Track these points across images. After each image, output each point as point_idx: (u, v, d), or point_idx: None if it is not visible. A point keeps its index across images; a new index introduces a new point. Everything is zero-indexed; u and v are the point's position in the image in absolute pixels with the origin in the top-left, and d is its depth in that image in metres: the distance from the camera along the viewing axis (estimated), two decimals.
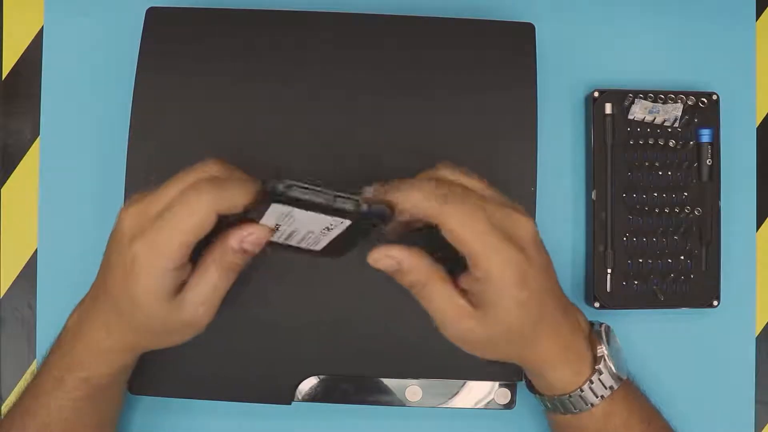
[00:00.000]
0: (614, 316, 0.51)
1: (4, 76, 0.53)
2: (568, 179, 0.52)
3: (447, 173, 0.41)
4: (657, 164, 0.50)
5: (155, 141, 0.47)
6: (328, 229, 0.40)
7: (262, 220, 0.38)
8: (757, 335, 0.52)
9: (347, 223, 0.39)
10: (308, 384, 0.48)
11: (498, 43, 0.48)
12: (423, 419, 0.51)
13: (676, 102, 0.50)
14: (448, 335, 0.41)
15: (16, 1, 0.53)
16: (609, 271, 0.50)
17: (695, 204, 0.50)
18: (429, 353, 0.47)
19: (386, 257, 0.40)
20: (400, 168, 0.47)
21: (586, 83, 0.52)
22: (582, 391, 0.42)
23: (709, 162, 0.50)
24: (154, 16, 0.48)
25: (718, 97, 0.50)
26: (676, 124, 0.50)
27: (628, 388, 0.44)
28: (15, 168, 0.52)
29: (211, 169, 0.39)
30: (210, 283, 0.39)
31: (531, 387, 0.46)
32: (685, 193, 0.50)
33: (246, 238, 0.38)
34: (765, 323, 0.52)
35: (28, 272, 0.52)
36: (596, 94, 0.50)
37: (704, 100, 0.50)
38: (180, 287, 0.39)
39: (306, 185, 0.37)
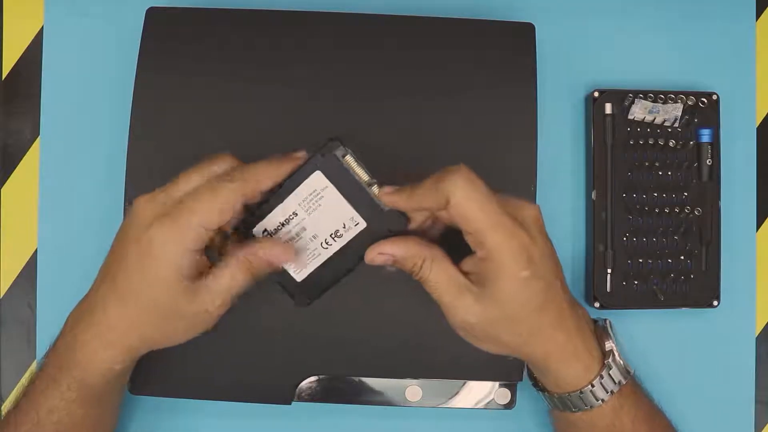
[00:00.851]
0: (614, 316, 0.51)
1: (4, 76, 0.53)
2: (568, 179, 0.52)
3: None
4: (657, 164, 0.50)
5: (155, 141, 0.47)
6: (337, 234, 0.42)
7: (288, 199, 0.41)
8: (757, 335, 0.52)
9: (362, 226, 0.41)
10: (308, 384, 0.48)
11: (498, 43, 0.48)
12: (423, 419, 0.51)
13: (676, 102, 0.50)
14: (450, 321, 0.41)
15: (16, 1, 0.53)
16: (609, 271, 0.50)
17: (695, 204, 0.50)
18: (429, 353, 0.47)
19: (379, 255, 0.41)
20: (400, 168, 0.47)
21: (586, 83, 0.52)
22: (593, 386, 0.42)
23: (709, 162, 0.50)
24: (154, 16, 0.48)
25: (718, 97, 0.50)
26: (676, 124, 0.50)
27: (633, 383, 0.44)
28: (15, 168, 0.52)
29: (229, 161, 0.41)
30: (231, 279, 0.40)
31: (536, 384, 0.46)
32: (685, 193, 0.50)
33: (273, 255, 0.40)
34: (765, 323, 0.52)
35: (28, 272, 0.52)
36: (596, 94, 0.50)
37: (704, 100, 0.50)
38: (196, 275, 0.40)
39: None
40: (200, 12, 0.49)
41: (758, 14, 0.53)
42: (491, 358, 0.47)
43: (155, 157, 0.47)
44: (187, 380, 0.47)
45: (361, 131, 0.47)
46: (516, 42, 0.48)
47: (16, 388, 0.51)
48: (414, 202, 0.40)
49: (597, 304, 0.50)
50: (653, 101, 0.50)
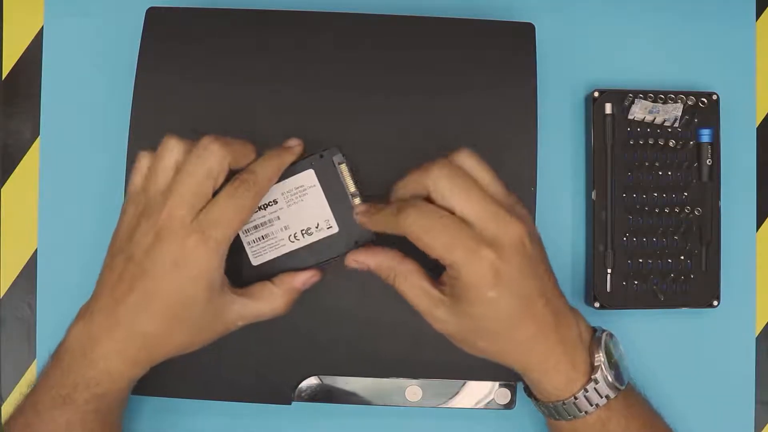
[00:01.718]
0: (614, 316, 0.51)
1: (4, 76, 0.53)
2: (568, 179, 0.52)
3: (461, 159, 0.42)
4: (657, 164, 0.50)
5: (155, 141, 0.47)
6: (308, 231, 0.44)
7: (273, 187, 0.43)
8: (757, 335, 0.52)
9: (334, 230, 0.44)
10: (308, 384, 0.48)
11: (498, 43, 0.48)
12: (423, 419, 0.51)
13: (676, 102, 0.50)
14: (431, 326, 0.43)
15: (16, 1, 0.53)
16: (609, 271, 0.50)
17: (695, 204, 0.50)
18: (429, 353, 0.47)
19: (354, 262, 0.43)
20: (400, 168, 0.47)
21: (586, 83, 0.52)
22: (576, 399, 0.42)
23: (709, 162, 0.50)
24: (154, 16, 0.48)
25: (718, 97, 0.50)
26: (676, 124, 0.50)
27: (628, 395, 0.44)
28: (15, 168, 0.52)
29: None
30: (260, 311, 0.43)
31: (525, 389, 0.46)
32: (685, 193, 0.50)
33: (308, 281, 0.44)
34: (765, 323, 0.52)
35: (28, 272, 0.52)
36: (596, 94, 0.50)
37: (704, 100, 0.50)
38: (224, 286, 0.42)
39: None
40: (200, 12, 0.49)
41: (758, 14, 0.53)
42: None
43: None
44: (187, 380, 0.47)
45: (361, 131, 0.47)
46: (516, 42, 0.48)
47: (11, 402, 0.51)
48: (378, 227, 0.43)
49: (597, 304, 0.50)
50: (653, 101, 0.50)
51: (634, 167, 0.50)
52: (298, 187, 0.44)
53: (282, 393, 0.47)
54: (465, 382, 0.48)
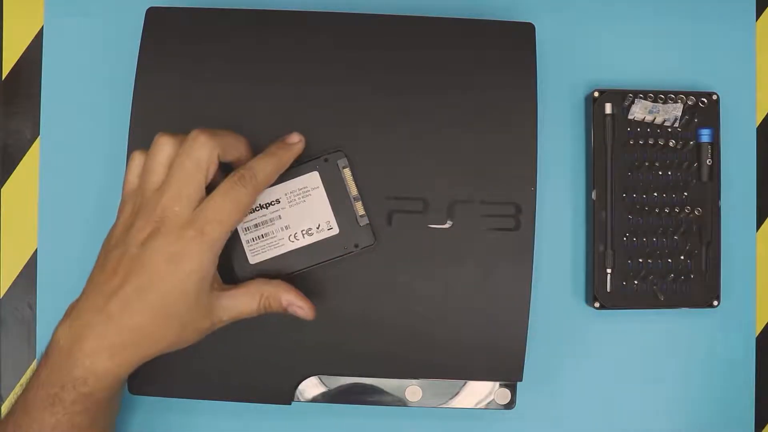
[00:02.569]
0: (614, 316, 0.51)
1: (4, 76, 0.53)
2: (568, 179, 0.52)
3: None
4: (657, 164, 0.50)
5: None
6: (309, 231, 0.45)
7: (277, 186, 0.44)
8: (757, 335, 0.52)
9: (335, 232, 0.45)
10: (308, 384, 0.48)
11: (498, 43, 0.48)
12: (423, 419, 0.51)
13: (676, 102, 0.50)
14: None
15: (16, 1, 0.53)
16: (609, 271, 0.50)
17: (695, 204, 0.50)
18: (429, 353, 0.47)
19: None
20: (399, 168, 0.47)
21: (586, 83, 0.52)
22: None
23: (709, 162, 0.50)
24: (154, 16, 0.48)
25: (718, 97, 0.50)
26: (676, 124, 0.50)
27: None
28: (15, 168, 0.52)
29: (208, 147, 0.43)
30: (247, 306, 0.43)
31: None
32: (685, 193, 0.50)
33: (295, 308, 0.44)
34: (765, 323, 0.52)
35: (28, 272, 0.52)
36: (596, 94, 0.50)
37: (704, 100, 0.50)
38: (214, 284, 0.42)
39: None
40: (200, 12, 0.49)
41: (758, 14, 0.53)
42: (491, 358, 0.47)
43: None
44: (187, 380, 0.47)
45: (361, 131, 0.47)
46: (516, 42, 0.48)
47: (8, 399, 0.51)
48: None
49: (597, 304, 0.50)
50: (653, 101, 0.50)
51: (634, 167, 0.50)
52: (301, 188, 0.45)
53: (282, 393, 0.47)
54: (465, 382, 0.48)
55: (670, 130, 0.50)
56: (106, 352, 0.40)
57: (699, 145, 0.50)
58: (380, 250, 0.46)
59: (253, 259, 0.45)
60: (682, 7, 0.53)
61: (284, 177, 0.45)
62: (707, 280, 0.50)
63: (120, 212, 0.43)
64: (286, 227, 0.45)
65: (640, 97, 0.50)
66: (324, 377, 0.48)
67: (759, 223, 0.53)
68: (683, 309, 0.50)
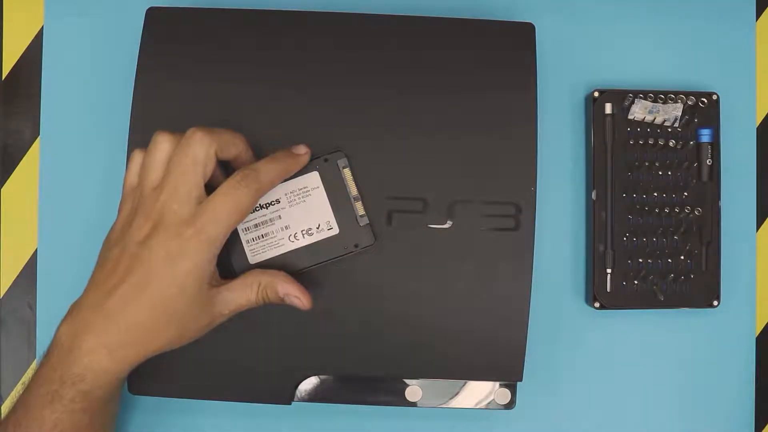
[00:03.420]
0: (614, 316, 0.51)
1: (4, 76, 0.53)
2: (568, 179, 0.52)
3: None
4: (657, 164, 0.50)
5: None
6: (309, 231, 0.45)
7: (277, 186, 0.44)
8: (757, 335, 0.52)
9: (335, 232, 0.45)
10: (308, 384, 0.48)
11: (498, 43, 0.48)
12: (423, 419, 0.51)
13: (676, 102, 0.50)
14: None
15: (16, 1, 0.53)
16: (609, 271, 0.50)
17: (695, 204, 0.50)
18: (429, 353, 0.47)
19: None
20: (399, 167, 0.47)
21: (586, 83, 0.52)
22: None
23: (709, 162, 0.50)
24: (154, 16, 0.48)
25: (718, 97, 0.50)
26: (676, 124, 0.50)
27: None
28: (15, 168, 0.52)
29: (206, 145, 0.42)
30: (245, 298, 0.43)
31: None
32: (685, 193, 0.50)
33: (292, 297, 0.44)
34: (765, 323, 0.52)
35: (28, 272, 0.52)
36: (596, 94, 0.50)
37: (704, 100, 0.50)
38: (213, 281, 0.42)
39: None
40: (200, 12, 0.49)
41: (758, 14, 0.53)
42: (491, 358, 0.47)
43: None
44: (187, 380, 0.47)
45: (361, 131, 0.47)
46: (516, 42, 0.48)
47: (9, 398, 0.51)
48: None
49: (597, 304, 0.50)
50: (653, 101, 0.50)
51: (634, 167, 0.50)
52: (301, 188, 0.45)
53: (282, 393, 0.47)
54: (465, 382, 0.48)
55: (670, 130, 0.50)
56: (104, 349, 0.41)
57: (699, 145, 0.50)
58: (380, 250, 0.46)
59: (253, 259, 0.45)
60: (682, 7, 0.53)
61: None
62: (707, 280, 0.50)
63: (120, 210, 0.44)
64: (286, 227, 0.45)
65: (640, 97, 0.50)
66: (324, 377, 0.48)
67: (759, 223, 0.53)
68: (683, 309, 0.50)
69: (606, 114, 0.50)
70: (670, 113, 0.50)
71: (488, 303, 0.47)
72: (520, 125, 0.47)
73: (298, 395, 0.48)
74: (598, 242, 0.50)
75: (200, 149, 0.41)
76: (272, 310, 0.47)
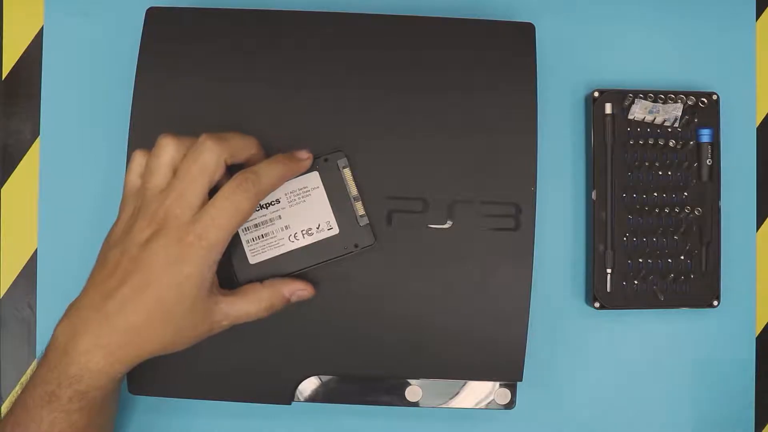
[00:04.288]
0: (614, 316, 0.51)
1: (4, 76, 0.53)
2: (568, 179, 0.52)
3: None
4: (657, 164, 0.50)
5: (155, 141, 0.47)
6: (309, 231, 0.45)
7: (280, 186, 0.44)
8: (757, 335, 0.52)
9: (335, 232, 0.45)
10: (308, 384, 0.48)
11: (498, 43, 0.48)
12: (423, 419, 0.51)
13: (676, 102, 0.50)
14: None
15: (16, 1, 0.53)
16: (609, 271, 0.50)
17: (695, 204, 0.50)
18: (429, 353, 0.47)
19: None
20: (399, 167, 0.47)
21: (586, 83, 0.52)
22: None
23: (709, 162, 0.50)
24: (154, 16, 0.48)
25: (718, 97, 0.50)
26: (676, 124, 0.50)
27: None
28: (15, 168, 0.52)
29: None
30: (248, 311, 0.43)
31: None
32: (685, 193, 0.50)
33: (297, 292, 0.44)
34: (765, 323, 0.52)
35: (28, 272, 0.52)
36: (596, 94, 0.50)
37: (704, 100, 0.50)
38: (212, 289, 0.42)
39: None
40: (200, 12, 0.49)
41: (758, 14, 0.53)
42: (491, 358, 0.47)
43: None
44: (187, 380, 0.47)
45: (360, 131, 0.47)
46: (516, 42, 0.48)
47: (9, 398, 0.51)
48: None
49: (597, 304, 0.50)
50: (653, 101, 0.50)
51: (634, 167, 0.50)
52: (301, 188, 0.45)
53: (282, 393, 0.47)
54: (465, 382, 0.48)
55: (670, 130, 0.50)
56: (101, 350, 0.41)
57: (699, 145, 0.50)
58: (380, 250, 0.46)
59: (253, 259, 0.45)
60: (682, 7, 0.53)
61: None
62: (707, 280, 0.50)
63: (121, 212, 0.43)
64: (286, 227, 0.45)
65: (640, 97, 0.50)
66: (324, 377, 0.48)
67: (759, 223, 0.53)
68: (683, 309, 0.50)
69: (606, 114, 0.50)
70: (670, 113, 0.50)
71: (488, 303, 0.47)
72: (520, 125, 0.47)
73: (298, 395, 0.48)
74: (598, 242, 0.50)
75: (210, 157, 0.41)
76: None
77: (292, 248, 0.45)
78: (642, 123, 0.50)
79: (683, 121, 0.50)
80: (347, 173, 0.46)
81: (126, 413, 0.50)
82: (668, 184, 0.50)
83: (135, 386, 0.47)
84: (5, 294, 0.52)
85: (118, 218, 0.43)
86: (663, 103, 0.50)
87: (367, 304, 0.47)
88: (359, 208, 0.46)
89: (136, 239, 0.41)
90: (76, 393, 0.41)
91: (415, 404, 0.48)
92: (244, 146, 0.43)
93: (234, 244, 0.45)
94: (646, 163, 0.50)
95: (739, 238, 0.52)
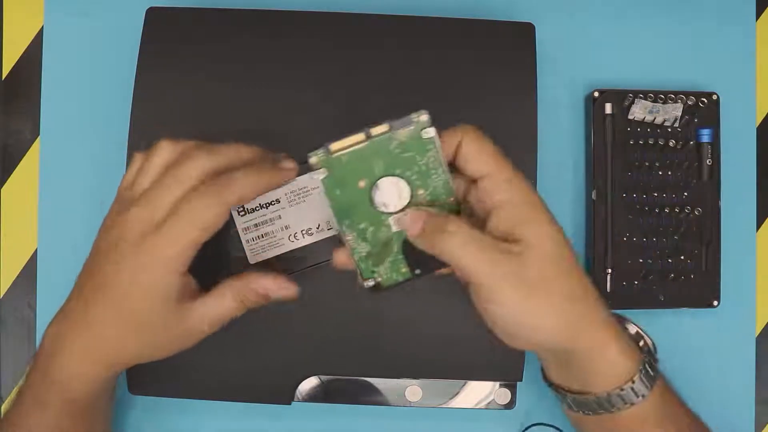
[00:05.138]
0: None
1: (4, 76, 0.53)
2: (568, 179, 0.52)
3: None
4: (657, 164, 0.50)
5: (155, 141, 0.47)
6: (309, 231, 0.45)
7: (281, 186, 0.43)
8: (757, 335, 0.52)
9: (335, 231, 0.44)
10: (308, 384, 0.48)
11: (498, 43, 0.48)
12: (423, 419, 0.51)
13: (676, 102, 0.50)
14: (484, 297, 0.38)
15: (16, 1, 0.53)
16: (609, 271, 0.50)
17: (695, 204, 0.50)
18: (429, 353, 0.47)
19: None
20: None
21: (586, 83, 0.52)
22: (633, 383, 0.40)
23: (709, 162, 0.50)
24: (154, 16, 0.48)
25: (718, 97, 0.50)
26: (676, 124, 0.50)
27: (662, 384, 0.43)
28: (15, 168, 0.52)
29: (203, 159, 0.39)
30: (223, 308, 0.40)
31: (557, 386, 0.43)
32: (685, 193, 0.50)
33: (273, 292, 0.41)
34: (765, 323, 0.52)
35: (28, 272, 0.52)
36: (596, 94, 0.50)
37: (704, 100, 0.50)
38: (184, 297, 0.39)
39: None
40: (200, 12, 0.49)
41: (758, 14, 0.53)
42: (491, 358, 0.47)
43: None
44: (187, 380, 0.47)
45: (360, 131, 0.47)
46: (516, 42, 0.48)
47: (9, 398, 0.51)
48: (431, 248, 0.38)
49: None
50: (653, 101, 0.50)
51: (634, 167, 0.50)
52: (301, 188, 0.45)
53: (282, 393, 0.47)
54: (465, 382, 0.48)
55: (670, 130, 0.50)
56: (86, 357, 0.40)
57: (699, 145, 0.50)
58: None
59: (252, 259, 0.45)
60: (682, 7, 0.53)
61: None
62: (707, 280, 0.50)
63: (109, 210, 0.42)
64: (286, 227, 0.45)
65: (640, 97, 0.50)
66: (324, 377, 0.48)
67: (759, 223, 0.53)
68: (683, 309, 0.50)
69: (606, 114, 0.50)
70: (670, 113, 0.50)
71: None
72: (520, 125, 0.47)
73: (298, 395, 0.48)
74: (598, 242, 0.50)
75: (191, 167, 0.39)
76: (272, 311, 0.47)
77: (292, 248, 0.45)
78: (642, 123, 0.50)
79: (683, 121, 0.50)
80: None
81: (126, 413, 0.50)
82: (668, 184, 0.50)
83: (135, 386, 0.47)
84: (5, 294, 0.52)
85: (106, 215, 0.42)
86: (663, 103, 0.50)
87: (367, 304, 0.47)
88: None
89: (105, 251, 0.40)
90: (65, 399, 0.41)
91: (415, 404, 0.48)
92: (237, 159, 0.40)
93: (233, 244, 0.45)
94: (646, 163, 0.50)
95: (739, 238, 0.52)
